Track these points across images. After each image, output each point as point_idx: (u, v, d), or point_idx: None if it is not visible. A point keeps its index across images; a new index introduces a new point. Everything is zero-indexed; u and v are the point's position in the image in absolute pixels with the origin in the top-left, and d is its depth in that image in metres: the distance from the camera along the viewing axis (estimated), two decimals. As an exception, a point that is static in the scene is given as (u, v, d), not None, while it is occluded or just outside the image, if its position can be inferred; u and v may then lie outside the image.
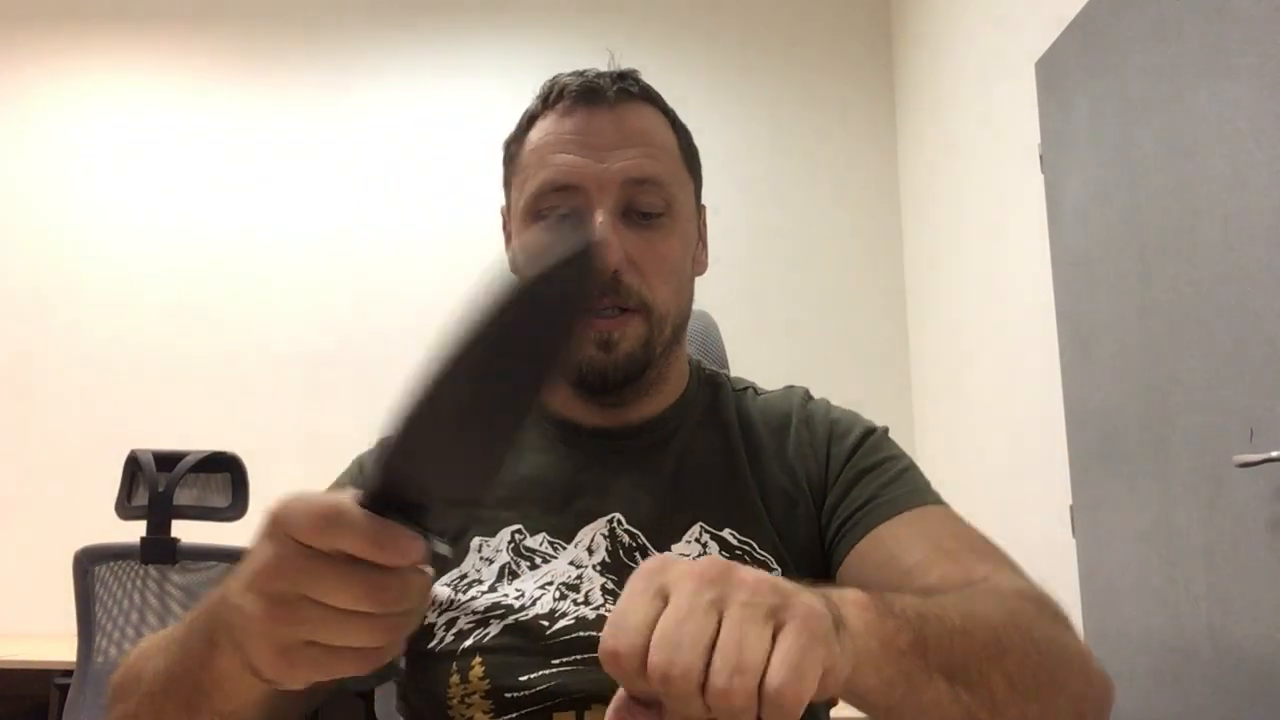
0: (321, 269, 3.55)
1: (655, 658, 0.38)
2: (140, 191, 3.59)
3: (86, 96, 3.65)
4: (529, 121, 0.87)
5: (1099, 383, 2.07)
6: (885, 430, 0.89)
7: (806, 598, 0.41)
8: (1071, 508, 2.19)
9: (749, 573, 0.41)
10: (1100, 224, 2.07)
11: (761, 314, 3.51)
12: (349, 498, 0.45)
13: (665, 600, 0.40)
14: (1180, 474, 1.75)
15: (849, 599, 0.48)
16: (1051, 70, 2.31)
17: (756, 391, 0.95)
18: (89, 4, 3.71)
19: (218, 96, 3.66)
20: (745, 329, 3.10)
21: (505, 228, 0.92)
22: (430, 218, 3.56)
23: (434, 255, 3.51)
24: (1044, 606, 0.63)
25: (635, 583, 0.41)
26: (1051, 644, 0.59)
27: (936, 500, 0.81)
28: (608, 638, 0.39)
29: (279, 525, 0.46)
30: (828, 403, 0.92)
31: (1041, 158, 2.37)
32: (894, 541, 0.76)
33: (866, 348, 3.53)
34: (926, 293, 3.40)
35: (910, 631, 0.50)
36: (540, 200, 0.83)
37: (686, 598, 0.40)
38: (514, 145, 0.89)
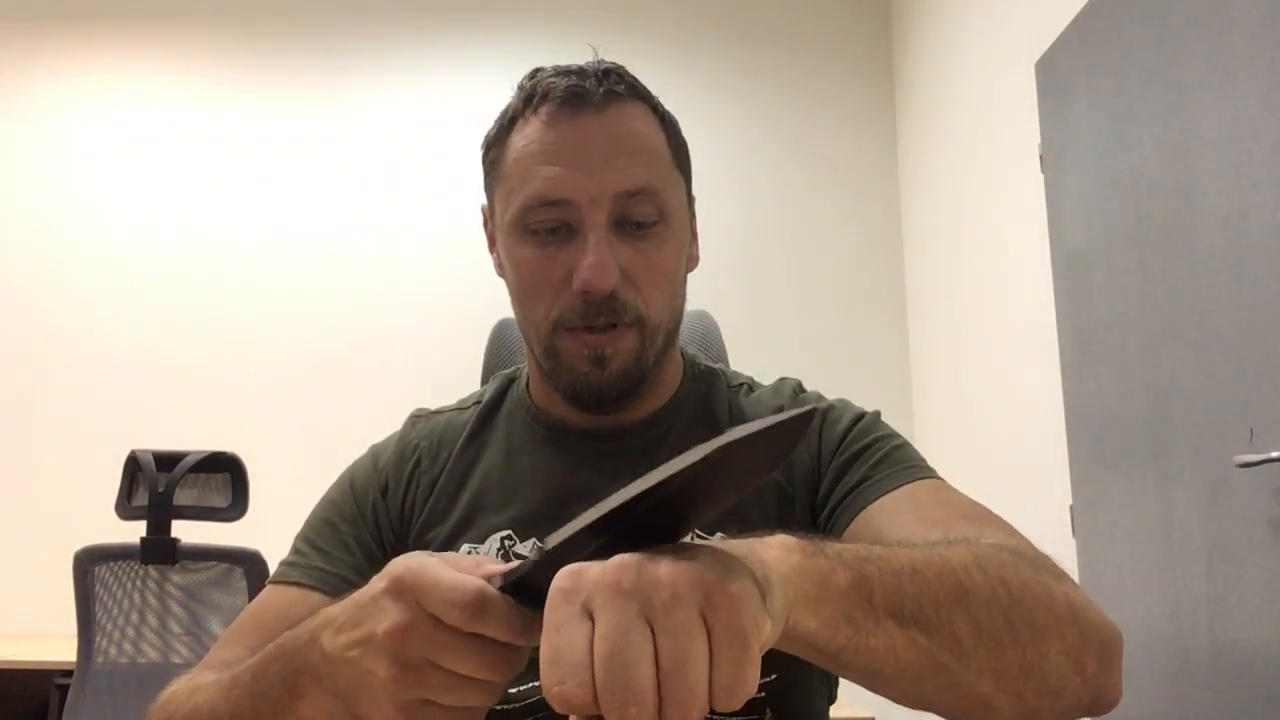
0: (321, 269, 3.55)
1: (608, 698, 0.37)
2: (140, 191, 3.59)
3: (87, 96, 3.65)
4: (510, 123, 0.84)
5: (1099, 383, 2.07)
6: (876, 414, 0.87)
7: (730, 582, 0.40)
8: (1071, 508, 2.19)
9: (664, 567, 0.39)
10: (1100, 224, 2.07)
11: (761, 314, 3.51)
12: (482, 577, 0.47)
13: (591, 618, 0.39)
14: (1180, 474, 1.75)
15: (773, 545, 0.47)
16: (1051, 70, 2.31)
17: (751, 388, 0.93)
18: (89, 4, 3.71)
19: (218, 96, 3.66)
20: (745, 329, 3.10)
21: (486, 228, 0.90)
22: (430, 218, 3.56)
23: (434, 255, 3.51)
24: (1024, 556, 0.60)
25: (556, 609, 0.40)
26: (1027, 588, 0.56)
27: (929, 474, 0.79)
28: (551, 682, 0.38)
29: (409, 594, 0.47)
30: (819, 394, 0.91)
31: (1041, 158, 2.37)
32: (882, 519, 0.74)
33: (866, 348, 3.53)
34: (926, 293, 3.40)
35: (848, 571, 0.48)
36: (529, 214, 0.80)
37: (613, 616, 0.38)
38: (495, 149, 0.85)
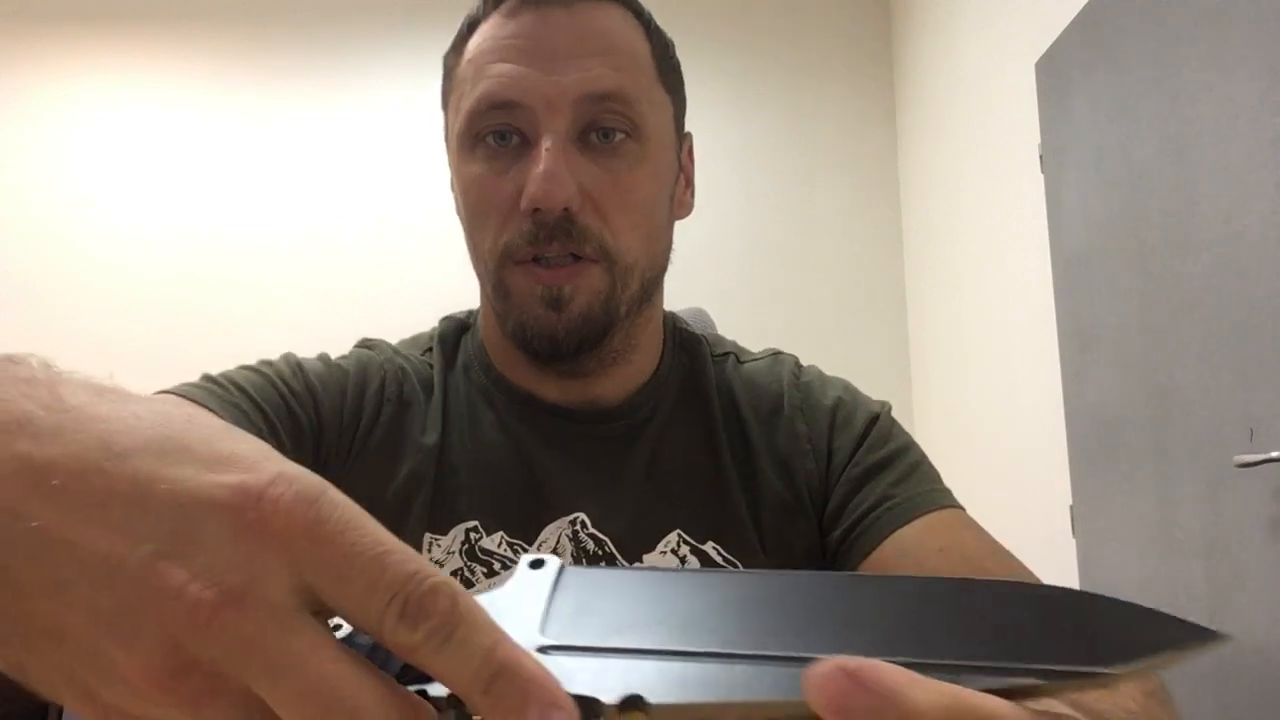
0: (323, 269, 3.55)
1: None
2: (140, 191, 3.59)
3: (86, 96, 3.65)
4: (469, 28, 0.71)
5: (1099, 383, 2.07)
6: (888, 411, 0.78)
7: None
8: (1071, 508, 2.19)
9: None
10: (1100, 224, 2.07)
11: (761, 314, 3.51)
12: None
13: None
14: (1180, 474, 1.75)
15: None
16: (1051, 70, 2.31)
17: (740, 359, 0.81)
18: (89, 4, 3.70)
19: (218, 96, 3.66)
20: (744, 329, 3.08)
21: (450, 158, 0.75)
22: (430, 217, 3.56)
23: (435, 255, 3.50)
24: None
25: None
26: None
27: (954, 501, 0.70)
28: None
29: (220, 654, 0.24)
30: (821, 376, 0.80)
31: (1041, 158, 2.37)
32: (920, 550, 0.66)
33: (866, 348, 3.53)
34: (926, 293, 3.40)
35: None
36: (476, 120, 0.67)
37: None
38: (451, 57, 0.72)
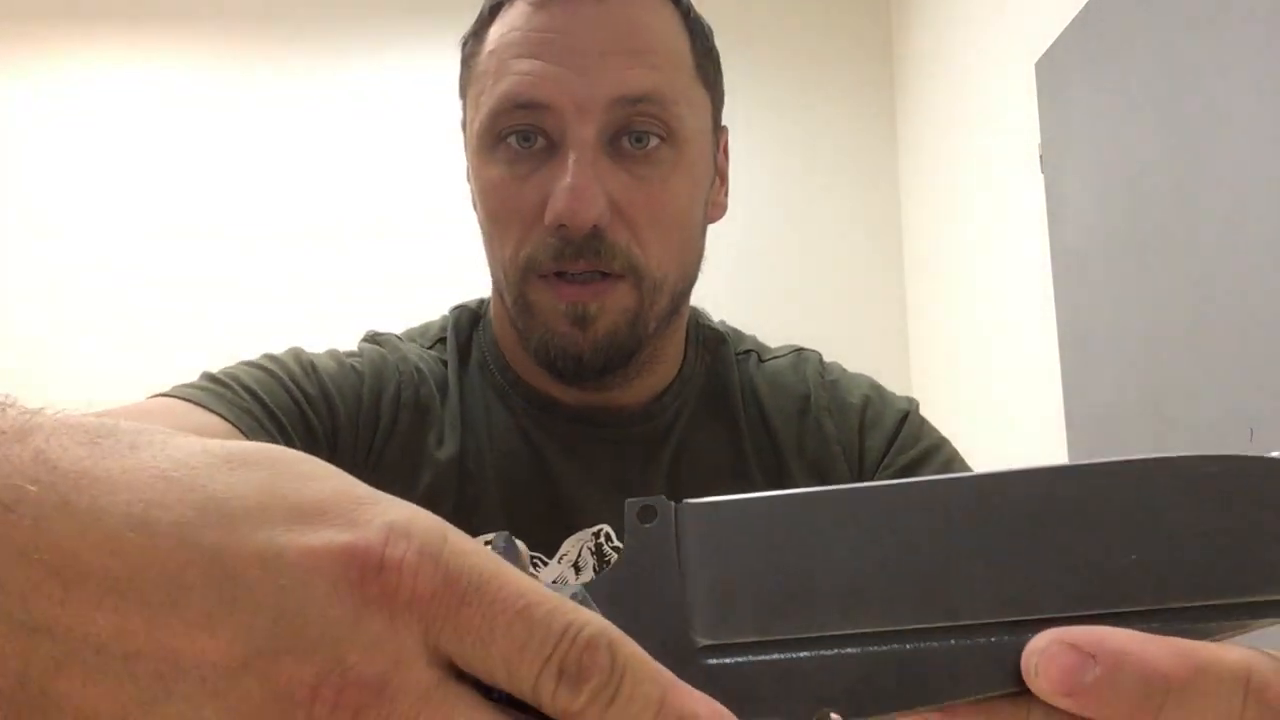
0: (325, 267, 3.54)
1: None
2: (140, 188, 3.59)
3: (85, 93, 3.65)
4: (491, 12, 0.66)
5: (1099, 382, 2.07)
6: (917, 408, 0.76)
7: None
8: (1071, 508, 2.20)
9: None
10: (1100, 224, 2.07)
11: (760, 313, 3.48)
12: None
13: None
14: (1180, 474, 1.75)
15: None
16: (1051, 70, 2.31)
17: (761, 357, 0.79)
18: (89, 2, 3.70)
19: (218, 95, 3.66)
20: (743, 328, 3.10)
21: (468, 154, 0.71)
22: (430, 217, 3.56)
23: (438, 254, 3.51)
24: None
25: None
26: None
27: None
28: None
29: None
30: (845, 374, 0.79)
31: (1041, 158, 2.37)
32: None
33: (866, 348, 3.53)
34: (926, 292, 3.40)
35: None
36: (499, 119, 0.63)
37: None
38: (472, 42, 0.67)
